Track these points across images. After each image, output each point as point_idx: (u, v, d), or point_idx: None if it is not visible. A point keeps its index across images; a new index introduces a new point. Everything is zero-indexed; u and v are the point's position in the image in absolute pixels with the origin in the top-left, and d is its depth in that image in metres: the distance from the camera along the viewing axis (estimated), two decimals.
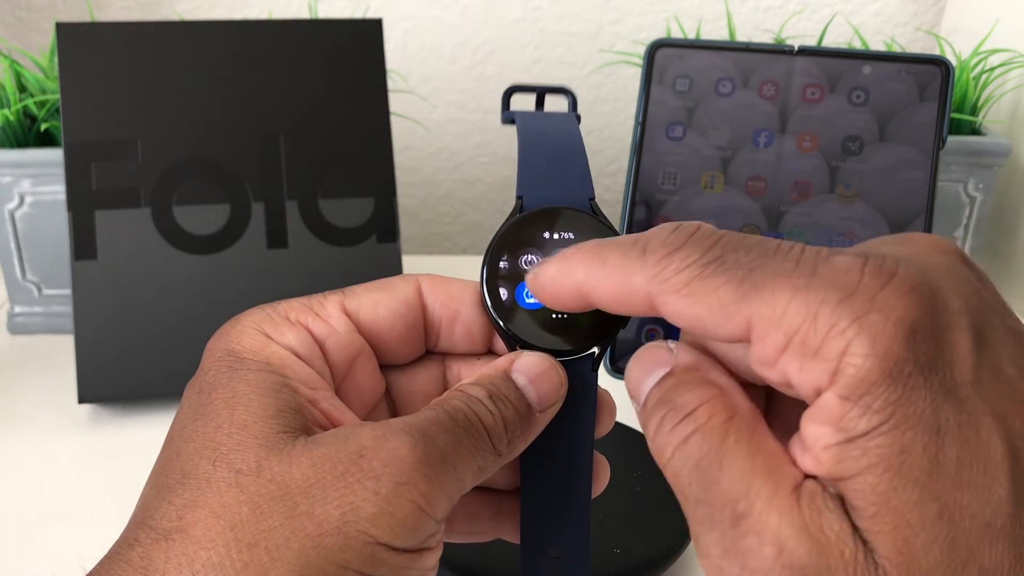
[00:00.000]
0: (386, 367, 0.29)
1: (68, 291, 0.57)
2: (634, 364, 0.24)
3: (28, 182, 0.56)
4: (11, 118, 0.56)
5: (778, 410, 0.24)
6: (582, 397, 0.27)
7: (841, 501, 0.19)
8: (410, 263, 0.66)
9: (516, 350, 0.27)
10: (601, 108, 0.84)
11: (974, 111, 0.61)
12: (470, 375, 0.28)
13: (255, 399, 0.24)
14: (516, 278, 0.27)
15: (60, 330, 0.59)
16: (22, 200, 0.56)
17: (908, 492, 0.19)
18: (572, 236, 0.27)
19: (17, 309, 0.60)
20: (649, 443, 0.22)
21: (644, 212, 0.50)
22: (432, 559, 0.23)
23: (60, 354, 0.56)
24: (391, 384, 0.29)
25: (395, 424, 0.23)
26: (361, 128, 0.53)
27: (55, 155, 0.55)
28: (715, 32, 0.81)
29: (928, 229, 0.48)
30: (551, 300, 0.25)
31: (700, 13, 0.81)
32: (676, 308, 0.21)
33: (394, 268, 0.53)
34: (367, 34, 0.53)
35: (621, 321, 0.27)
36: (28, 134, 0.57)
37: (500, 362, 0.26)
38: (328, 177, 0.52)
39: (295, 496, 0.22)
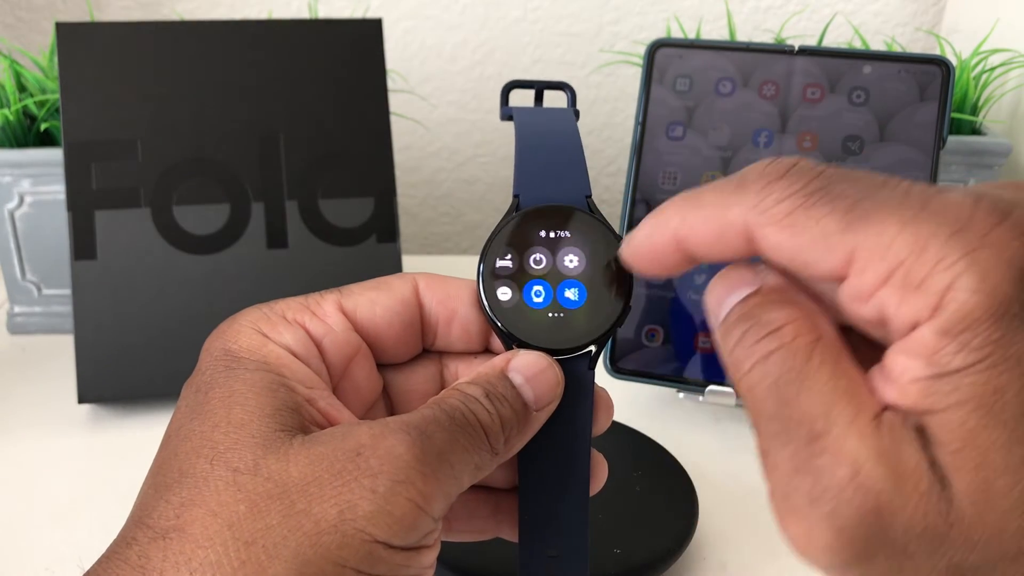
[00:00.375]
0: (383, 366, 0.29)
1: (68, 291, 0.57)
2: (719, 280, 0.23)
3: (28, 182, 0.56)
4: (11, 118, 0.56)
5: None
6: (579, 395, 0.27)
7: (922, 435, 0.19)
8: (410, 263, 0.66)
9: (513, 349, 0.27)
10: (601, 108, 0.84)
11: (974, 111, 0.61)
12: (467, 374, 0.28)
13: (252, 398, 0.24)
14: (512, 277, 0.27)
15: (60, 330, 0.59)
16: (22, 200, 0.56)
17: (996, 432, 0.18)
18: (568, 234, 0.27)
19: (17, 309, 0.60)
20: (725, 356, 0.22)
21: (644, 212, 0.50)
22: (430, 557, 0.23)
23: (60, 354, 0.56)
24: (388, 383, 0.29)
25: (392, 422, 0.23)
26: (361, 128, 0.53)
27: (55, 155, 0.55)
28: (715, 32, 0.81)
29: None
30: (650, 260, 0.24)
31: (700, 13, 0.81)
32: (776, 240, 0.21)
33: (394, 268, 0.53)
34: (367, 34, 0.53)
35: (617, 320, 0.27)
36: (28, 134, 0.57)
37: (497, 361, 0.26)
38: (328, 177, 0.52)
39: (292, 494, 0.21)
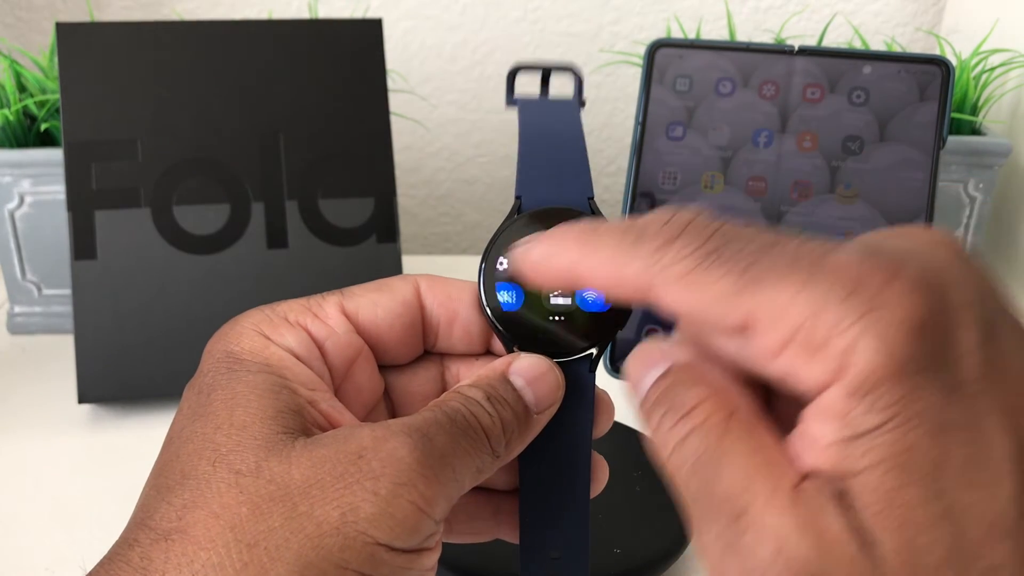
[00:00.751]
0: (385, 368, 0.29)
1: (68, 291, 0.57)
2: (632, 361, 0.23)
3: (28, 182, 0.56)
4: (11, 118, 0.56)
5: (776, 407, 0.24)
6: (580, 398, 0.27)
7: (842, 499, 0.19)
8: (410, 263, 0.66)
9: (514, 351, 0.27)
10: (601, 108, 0.84)
11: (974, 111, 0.61)
12: (469, 376, 0.28)
13: (254, 400, 0.24)
14: (514, 279, 0.27)
15: (60, 330, 0.59)
16: (22, 200, 0.56)
17: (913, 491, 0.18)
18: None
19: (17, 309, 0.60)
20: (651, 438, 0.22)
21: (644, 212, 0.50)
22: (431, 559, 0.24)
23: (60, 354, 0.56)
24: (390, 385, 0.29)
25: (394, 425, 0.23)
26: (361, 128, 0.53)
27: (55, 155, 0.55)
28: (715, 32, 0.81)
29: None
30: (539, 279, 0.24)
31: (700, 13, 0.81)
32: (673, 299, 0.21)
33: (394, 268, 0.53)
34: (367, 34, 0.53)
35: (618, 323, 0.27)
36: (28, 134, 0.57)
37: (498, 364, 0.26)
38: (328, 177, 0.52)
39: (295, 497, 0.22)
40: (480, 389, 0.25)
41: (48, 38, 0.79)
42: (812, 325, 0.19)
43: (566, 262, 0.23)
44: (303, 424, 0.24)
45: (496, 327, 0.27)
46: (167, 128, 0.50)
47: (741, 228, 0.21)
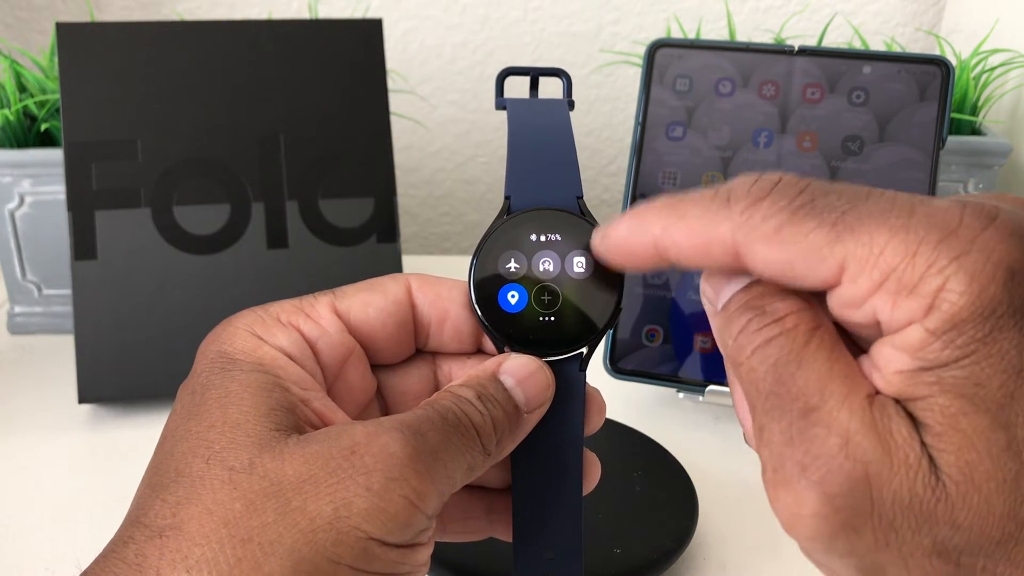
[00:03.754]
0: (377, 367, 0.29)
1: (68, 291, 0.57)
2: (710, 275, 0.24)
3: (28, 182, 0.56)
4: (11, 118, 0.56)
5: None
6: (570, 397, 0.27)
7: (912, 417, 0.20)
8: (410, 263, 0.66)
9: (505, 351, 0.27)
10: (601, 108, 0.84)
11: (974, 111, 0.61)
12: (460, 374, 0.28)
13: (247, 398, 0.24)
14: (503, 280, 0.27)
15: (60, 330, 0.59)
16: (22, 200, 0.56)
17: (978, 419, 0.19)
18: (559, 237, 0.27)
19: (17, 309, 0.60)
20: (727, 340, 0.23)
21: None
22: (424, 555, 0.24)
23: (60, 354, 0.56)
24: (382, 383, 0.29)
25: (386, 422, 0.23)
26: (361, 128, 0.53)
27: (55, 155, 0.55)
28: (715, 32, 0.81)
29: None
30: (624, 258, 0.25)
31: (700, 13, 0.81)
32: (765, 256, 0.21)
33: (394, 268, 0.53)
34: (367, 34, 0.53)
35: (608, 322, 0.27)
36: (28, 134, 0.57)
37: (488, 364, 0.27)
38: (328, 177, 0.52)
39: (288, 492, 0.22)
40: (471, 388, 0.26)
41: (48, 38, 0.79)
42: (906, 267, 0.19)
43: (652, 235, 0.23)
44: (296, 422, 0.24)
45: (487, 327, 0.27)
46: (167, 128, 0.51)
47: (830, 183, 0.21)
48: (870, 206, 0.20)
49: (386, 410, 0.30)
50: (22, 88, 0.58)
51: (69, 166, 0.49)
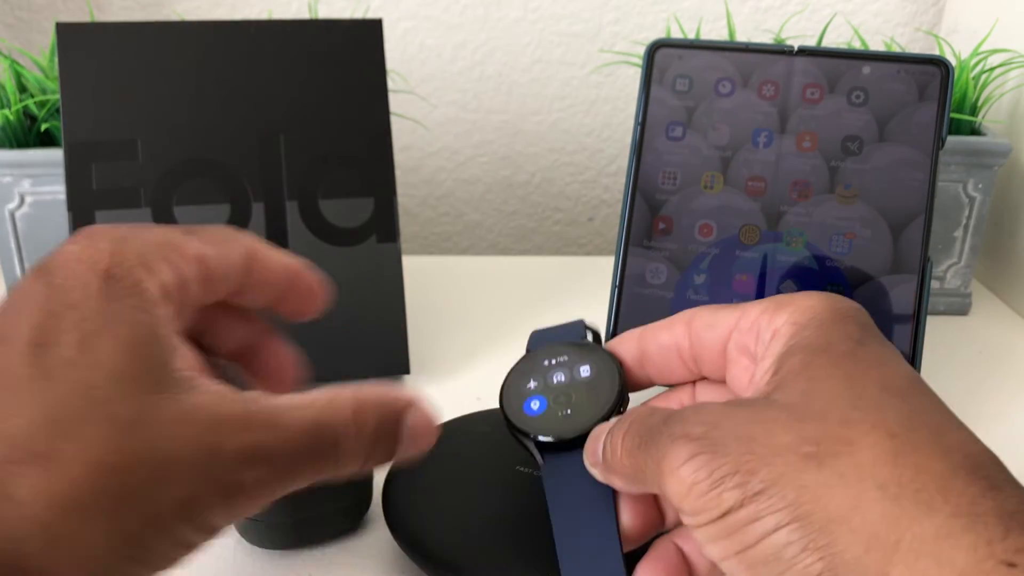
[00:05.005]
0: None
1: None
2: (590, 450, 0.31)
3: (28, 182, 0.56)
4: (11, 118, 0.56)
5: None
6: (599, 492, 0.31)
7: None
8: (410, 263, 0.66)
9: (529, 441, 0.33)
10: (601, 108, 0.84)
11: (974, 111, 0.61)
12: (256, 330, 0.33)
13: (134, 346, 0.25)
14: (527, 394, 0.34)
15: None
16: (22, 200, 0.56)
17: (823, 361, 0.26)
18: (566, 358, 0.35)
19: None
20: (607, 454, 0.30)
21: (644, 211, 0.50)
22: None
23: None
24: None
25: (253, 430, 0.25)
26: (361, 128, 0.53)
27: (55, 155, 0.55)
28: (715, 32, 0.81)
29: (928, 229, 0.48)
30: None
31: (700, 13, 0.81)
32: (702, 316, 0.33)
33: (394, 268, 0.53)
34: (367, 34, 0.53)
35: (617, 399, 0.33)
36: (28, 134, 0.57)
37: (398, 401, 0.29)
38: (328, 177, 0.52)
39: (155, 464, 0.23)
40: (368, 422, 0.28)
41: (48, 38, 0.79)
42: (783, 299, 0.30)
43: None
44: (170, 376, 0.25)
45: (518, 431, 0.33)
46: (167, 128, 0.51)
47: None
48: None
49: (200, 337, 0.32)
50: (22, 88, 0.58)
51: (69, 166, 0.50)
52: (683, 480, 0.25)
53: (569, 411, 0.33)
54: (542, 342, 0.37)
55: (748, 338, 0.30)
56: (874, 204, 0.48)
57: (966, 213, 0.61)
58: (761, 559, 0.23)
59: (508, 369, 0.36)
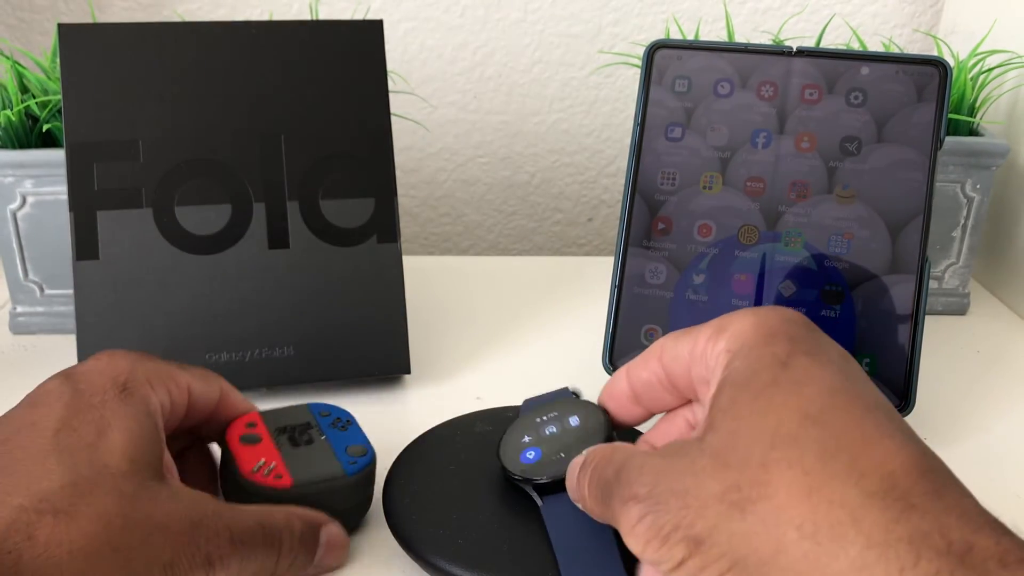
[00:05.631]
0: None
1: (70, 291, 0.58)
2: (572, 485, 0.34)
3: (30, 182, 0.56)
4: (13, 119, 0.56)
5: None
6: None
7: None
8: (410, 263, 0.66)
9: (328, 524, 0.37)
10: (601, 109, 0.84)
11: (972, 112, 0.61)
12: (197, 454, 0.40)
13: (140, 441, 0.32)
14: (522, 447, 0.38)
15: (62, 330, 0.60)
16: (24, 200, 0.57)
17: (748, 396, 0.28)
18: (556, 413, 0.39)
19: (19, 309, 0.60)
20: (582, 504, 0.33)
21: (644, 211, 0.50)
22: None
23: (62, 354, 0.57)
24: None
25: (223, 517, 0.32)
26: (362, 129, 0.53)
27: (57, 156, 0.55)
28: (714, 33, 0.81)
29: (926, 229, 0.48)
30: (618, 412, 0.38)
31: (699, 14, 0.81)
32: (669, 346, 0.34)
33: (394, 268, 0.53)
34: (368, 35, 0.53)
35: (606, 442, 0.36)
36: (30, 135, 0.58)
37: (317, 516, 0.36)
38: (329, 177, 0.52)
39: (151, 530, 0.29)
40: (300, 524, 0.35)
41: (50, 39, 0.79)
42: (725, 319, 0.32)
43: (624, 381, 0.37)
44: (161, 470, 0.32)
45: (517, 479, 0.37)
46: (169, 129, 0.51)
47: None
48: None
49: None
50: (24, 89, 0.58)
51: (71, 166, 0.50)
52: (638, 537, 0.27)
53: (563, 455, 0.36)
54: (533, 407, 0.40)
55: (700, 368, 0.32)
56: (872, 204, 0.48)
57: (964, 213, 0.61)
58: None
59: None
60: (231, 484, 0.38)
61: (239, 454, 0.37)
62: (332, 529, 0.36)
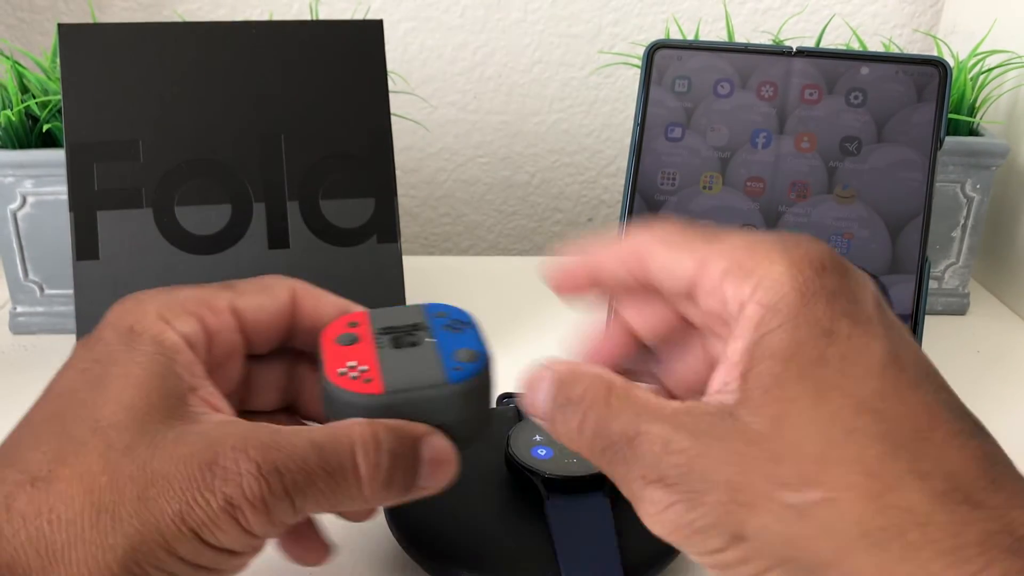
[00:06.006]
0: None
1: (70, 291, 0.58)
2: (526, 396, 0.29)
3: (30, 183, 0.56)
4: (13, 119, 0.56)
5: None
6: (603, 515, 0.35)
7: (720, 408, 0.25)
8: (410, 263, 0.66)
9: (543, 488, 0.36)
10: (601, 109, 0.84)
11: (972, 112, 0.61)
12: (313, 373, 0.34)
13: (145, 382, 0.27)
14: (531, 445, 0.38)
15: (62, 330, 0.60)
16: (24, 200, 0.57)
17: (794, 373, 0.25)
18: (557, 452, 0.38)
19: (19, 309, 0.60)
20: (564, 442, 0.28)
21: (643, 212, 0.50)
22: (249, 559, 0.28)
23: (62, 354, 0.56)
24: (248, 370, 0.33)
25: (254, 446, 0.26)
26: (362, 129, 0.53)
27: (57, 156, 0.55)
28: (714, 33, 0.81)
29: (926, 229, 0.48)
30: (561, 287, 0.31)
31: (699, 14, 0.81)
32: (658, 254, 0.29)
33: (394, 268, 0.53)
34: (368, 35, 0.53)
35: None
36: (30, 135, 0.58)
37: (416, 428, 0.29)
38: (329, 178, 0.53)
39: (147, 482, 0.25)
40: (386, 442, 0.28)
41: (50, 39, 0.79)
42: (746, 257, 0.26)
43: (587, 260, 0.31)
44: (183, 409, 0.27)
45: (529, 471, 0.37)
46: (169, 129, 0.51)
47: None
48: (733, 231, 0.28)
49: (246, 394, 0.33)
50: (24, 89, 0.58)
51: (71, 167, 0.50)
52: (665, 525, 0.25)
53: (575, 460, 0.36)
54: None
55: (714, 302, 0.27)
56: (872, 204, 0.48)
57: (964, 213, 0.61)
58: None
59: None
60: (322, 394, 0.31)
61: (329, 355, 0.31)
62: (436, 442, 0.29)
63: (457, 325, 0.33)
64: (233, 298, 0.31)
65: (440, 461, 0.29)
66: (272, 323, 0.32)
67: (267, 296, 0.32)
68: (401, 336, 0.32)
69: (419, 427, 0.29)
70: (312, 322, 0.33)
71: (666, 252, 0.28)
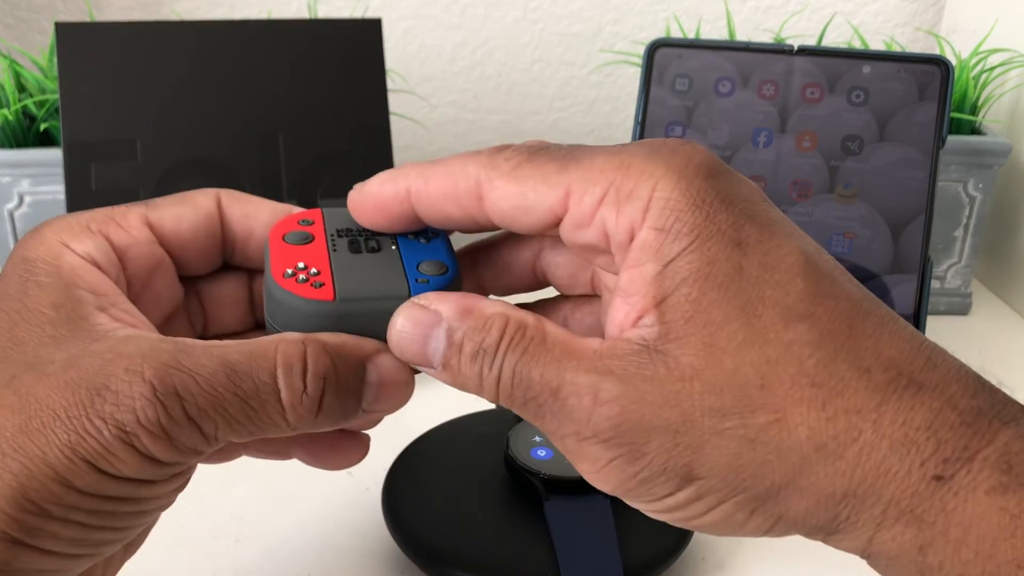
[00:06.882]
0: (193, 277, 0.30)
1: None
2: (405, 338, 0.25)
3: (27, 182, 0.56)
4: (10, 118, 0.56)
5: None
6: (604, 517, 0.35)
7: (641, 344, 0.23)
8: None
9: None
10: (601, 108, 0.84)
11: (974, 111, 0.61)
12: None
13: (35, 315, 0.25)
14: (531, 445, 0.39)
15: None
16: (21, 200, 0.56)
17: (715, 294, 0.22)
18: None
19: None
20: (470, 391, 0.24)
21: None
22: (175, 486, 0.25)
23: None
24: (200, 292, 0.31)
25: (150, 367, 0.23)
26: (361, 128, 0.53)
27: (54, 155, 0.55)
28: (715, 32, 0.81)
29: (928, 228, 0.48)
30: (377, 211, 0.27)
31: (700, 13, 0.81)
32: (503, 190, 0.24)
33: None
34: (367, 34, 0.53)
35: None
36: (27, 134, 0.57)
37: (365, 344, 0.26)
38: (328, 177, 0.52)
39: (31, 413, 0.23)
40: (316, 360, 0.24)
41: (48, 38, 0.79)
42: (622, 178, 0.23)
43: (407, 183, 0.26)
44: (85, 330, 0.25)
45: (527, 472, 0.37)
46: (166, 128, 0.51)
47: (562, 143, 0.25)
48: (589, 148, 0.24)
49: (204, 316, 0.31)
50: (21, 88, 0.58)
51: (68, 166, 0.50)
52: (607, 480, 0.23)
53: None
54: None
55: (590, 235, 0.24)
56: (874, 204, 0.48)
57: (966, 213, 0.61)
58: (709, 525, 0.23)
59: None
60: (265, 299, 0.28)
61: (275, 254, 0.27)
62: (385, 362, 0.26)
63: (426, 235, 0.29)
64: (146, 212, 0.29)
65: (390, 384, 0.26)
66: (198, 234, 0.29)
67: (186, 206, 0.29)
68: (360, 240, 0.28)
69: (368, 344, 0.26)
70: (246, 231, 0.30)
71: (512, 187, 0.24)
